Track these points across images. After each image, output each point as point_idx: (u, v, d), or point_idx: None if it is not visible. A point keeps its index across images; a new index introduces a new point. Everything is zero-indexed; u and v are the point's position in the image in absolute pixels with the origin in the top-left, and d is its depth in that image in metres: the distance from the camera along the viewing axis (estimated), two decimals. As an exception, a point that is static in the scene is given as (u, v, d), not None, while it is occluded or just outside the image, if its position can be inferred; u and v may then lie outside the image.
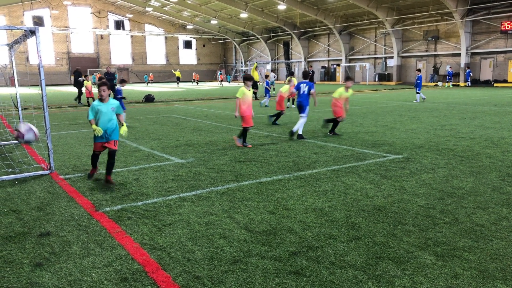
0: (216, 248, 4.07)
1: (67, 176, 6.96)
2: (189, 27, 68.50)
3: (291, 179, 6.55)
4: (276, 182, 6.39)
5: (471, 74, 38.15)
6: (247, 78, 9.33)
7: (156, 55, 69.95)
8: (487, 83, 38.22)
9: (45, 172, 7.16)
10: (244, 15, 52.72)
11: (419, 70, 21.84)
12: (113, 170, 6.51)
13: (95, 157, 6.64)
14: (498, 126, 11.98)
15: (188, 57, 73.11)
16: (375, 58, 49.79)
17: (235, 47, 70.88)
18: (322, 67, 55.90)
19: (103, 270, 3.66)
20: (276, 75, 47.69)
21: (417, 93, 21.23)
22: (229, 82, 60.94)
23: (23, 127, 7.05)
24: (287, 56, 59.08)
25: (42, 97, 6.92)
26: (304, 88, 10.35)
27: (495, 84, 36.96)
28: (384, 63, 48.21)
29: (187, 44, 72.08)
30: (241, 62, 69.36)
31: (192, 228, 4.58)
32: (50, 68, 60.02)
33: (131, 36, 66.80)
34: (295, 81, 21.09)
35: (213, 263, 3.76)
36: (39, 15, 57.25)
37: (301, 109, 10.38)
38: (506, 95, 25.01)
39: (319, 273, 3.53)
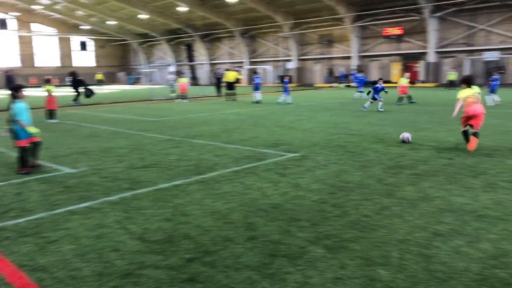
0: (106, 262, 3.81)
1: None
2: (85, 27, 64.51)
3: (191, 184, 6.43)
4: (175, 188, 6.23)
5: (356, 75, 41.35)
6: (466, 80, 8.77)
7: (48, 56, 64.63)
8: (375, 83, 41.69)
9: None
10: (143, 16, 51.10)
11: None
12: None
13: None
14: (383, 123, 13.10)
15: (86, 58, 68.78)
16: (276, 61, 51.59)
17: (136, 48, 68.41)
18: (226, 69, 56.35)
19: (-30, 301, 3.22)
20: (178, 77, 46.97)
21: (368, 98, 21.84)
22: (130, 84, 58.68)
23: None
24: (190, 58, 58.55)
25: None
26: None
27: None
28: (285, 65, 50.17)
29: (84, 45, 67.74)
30: (143, 64, 67.11)
31: (80, 243, 4.25)
32: None
33: (19, 37, 60.93)
34: (184, 80, 25.78)
35: (102, 279, 3.51)
36: None
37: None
38: (390, 95, 27.49)
39: (214, 278, 3.49)
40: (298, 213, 4.99)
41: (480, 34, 35.42)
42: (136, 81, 65.89)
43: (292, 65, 48.95)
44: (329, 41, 45.08)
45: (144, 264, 3.77)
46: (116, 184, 6.47)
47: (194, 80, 52.95)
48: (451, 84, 31.17)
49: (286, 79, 22.38)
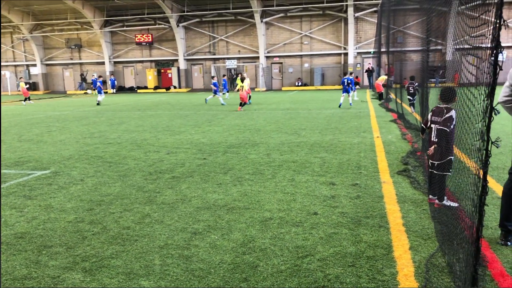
0: None
1: None
2: None
3: None
4: None
5: (115, 82, 40.62)
6: (243, 78, 20.14)
7: None
8: (132, 90, 41.66)
9: None
10: None
11: (213, 77, 23.39)
12: None
13: None
14: (141, 129, 13.14)
15: None
16: (16, 66, 45.22)
17: None
18: None
19: None
20: None
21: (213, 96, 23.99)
22: None
23: None
24: None
25: None
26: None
27: (138, 90, 40.77)
28: (27, 71, 44.50)
29: None
30: None
31: None
32: None
33: None
34: None
35: None
36: None
37: None
38: (147, 100, 27.94)
39: None
40: (50, 239, 4.43)
41: (221, 44, 39.84)
42: None
43: (37, 70, 43.86)
44: (78, 46, 42.39)
45: None
46: None
47: None
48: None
49: (214, 81, 22.07)
